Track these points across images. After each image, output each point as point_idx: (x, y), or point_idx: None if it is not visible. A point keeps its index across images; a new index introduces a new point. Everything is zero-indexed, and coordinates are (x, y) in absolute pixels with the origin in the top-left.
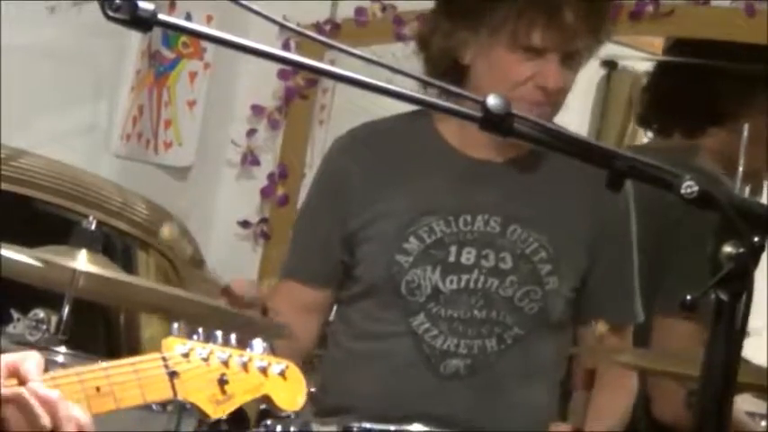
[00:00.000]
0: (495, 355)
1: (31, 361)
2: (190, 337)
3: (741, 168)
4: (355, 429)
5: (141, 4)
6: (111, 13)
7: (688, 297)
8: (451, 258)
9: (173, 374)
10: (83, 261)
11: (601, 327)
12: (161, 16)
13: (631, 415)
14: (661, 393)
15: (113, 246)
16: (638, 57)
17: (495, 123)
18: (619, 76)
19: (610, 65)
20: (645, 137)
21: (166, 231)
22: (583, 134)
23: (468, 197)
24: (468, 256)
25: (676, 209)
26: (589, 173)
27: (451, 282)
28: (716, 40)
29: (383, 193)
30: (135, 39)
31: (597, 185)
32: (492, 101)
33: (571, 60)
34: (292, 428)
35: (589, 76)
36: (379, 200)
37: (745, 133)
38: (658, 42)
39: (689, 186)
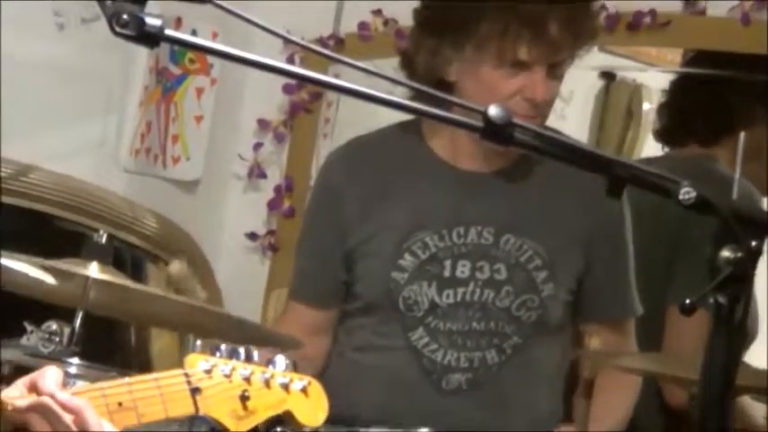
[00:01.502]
0: (497, 366)
1: (49, 375)
2: (213, 353)
3: (737, 176)
4: None
5: (148, 20)
6: (118, 29)
7: (687, 301)
8: (447, 273)
9: (195, 390)
10: (94, 272)
11: (594, 341)
12: (168, 32)
13: (643, 401)
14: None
15: (123, 259)
16: (636, 67)
17: (496, 133)
18: (617, 86)
19: (608, 76)
20: (645, 146)
21: (176, 268)
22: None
23: (460, 210)
24: (463, 269)
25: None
26: (579, 178)
27: (448, 296)
28: (727, 51)
29: (377, 209)
30: (143, 55)
31: (588, 189)
32: (493, 111)
33: (556, 70)
34: None
35: (588, 87)
36: (373, 216)
37: (742, 142)
38: (656, 53)
39: (687, 192)
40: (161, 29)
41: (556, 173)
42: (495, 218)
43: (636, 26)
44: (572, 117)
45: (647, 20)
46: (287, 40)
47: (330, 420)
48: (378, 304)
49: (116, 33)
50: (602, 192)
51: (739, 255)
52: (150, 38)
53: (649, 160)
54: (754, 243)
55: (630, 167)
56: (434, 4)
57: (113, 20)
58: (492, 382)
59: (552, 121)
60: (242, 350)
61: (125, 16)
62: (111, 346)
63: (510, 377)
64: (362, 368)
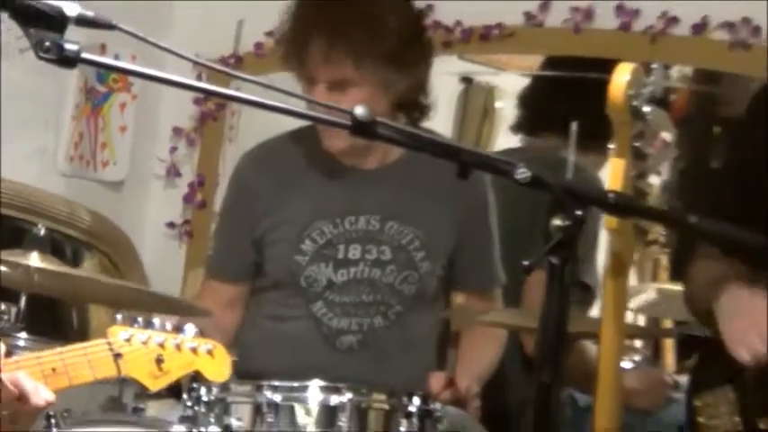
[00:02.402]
0: (382, 330)
1: None
2: (131, 324)
3: (572, 158)
4: (265, 386)
5: (67, 46)
6: (42, 54)
7: (525, 262)
8: (341, 255)
9: (117, 356)
10: (35, 260)
11: (460, 299)
12: (85, 55)
13: (507, 354)
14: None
15: (63, 249)
16: (489, 72)
17: (362, 129)
18: (474, 89)
19: (467, 80)
20: (498, 138)
21: None
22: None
23: (351, 201)
24: (354, 252)
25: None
26: (451, 173)
27: (342, 274)
28: (570, 56)
29: (282, 202)
30: (74, 78)
31: (458, 183)
32: (359, 111)
33: (344, 86)
34: (214, 389)
35: (449, 90)
36: (279, 208)
37: (574, 129)
38: (506, 59)
39: (522, 173)
40: (78, 53)
41: (431, 169)
42: (380, 208)
43: (486, 37)
44: (438, 117)
45: (496, 32)
46: (195, 63)
47: (243, 376)
48: (284, 282)
49: (40, 57)
50: (469, 185)
51: (568, 223)
52: (69, 60)
53: (510, 151)
54: (579, 213)
55: (475, 154)
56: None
57: (37, 46)
58: (378, 343)
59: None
60: (157, 321)
61: (47, 43)
62: (55, 322)
63: (393, 339)
64: (271, 334)
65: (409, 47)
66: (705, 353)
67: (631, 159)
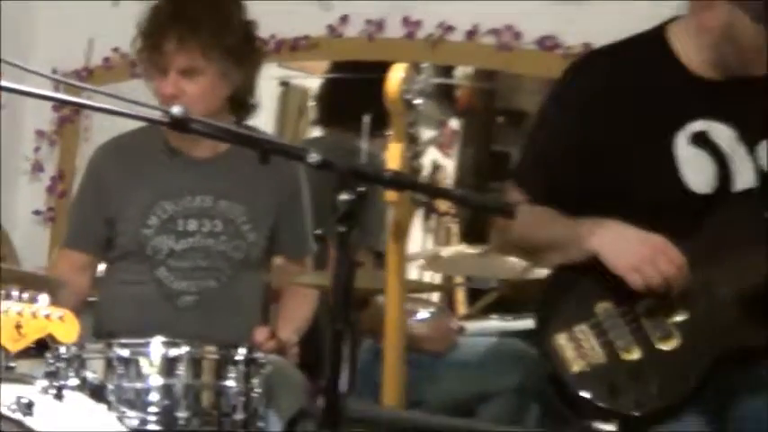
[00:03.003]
0: (215, 291)
1: None
2: None
3: (364, 148)
4: (114, 343)
5: None
6: None
7: (318, 231)
8: (180, 228)
9: None
10: None
11: (278, 261)
12: None
13: (318, 309)
14: None
15: None
16: (302, 76)
17: (178, 124)
18: (291, 91)
19: (285, 84)
20: (313, 132)
21: None
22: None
23: (189, 184)
24: (191, 225)
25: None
26: (272, 160)
27: (182, 244)
28: (363, 60)
29: (130, 185)
30: None
31: (277, 168)
32: (174, 110)
33: (191, 74)
34: (72, 347)
35: (270, 92)
36: (127, 190)
37: (366, 122)
38: (317, 65)
39: (312, 157)
40: None
41: (254, 157)
42: (213, 189)
43: (296, 47)
44: (261, 115)
45: (304, 42)
46: (53, 79)
47: (100, 334)
48: (132, 251)
49: None
50: (285, 171)
51: (351, 197)
52: None
53: (313, 140)
54: (360, 189)
55: (274, 143)
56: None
57: None
58: (211, 302)
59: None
60: (15, 292)
61: None
62: None
63: (224, 298)
64: (122, 297)
65: (247, 45)
66: (553, 297)
67: (406, 143)
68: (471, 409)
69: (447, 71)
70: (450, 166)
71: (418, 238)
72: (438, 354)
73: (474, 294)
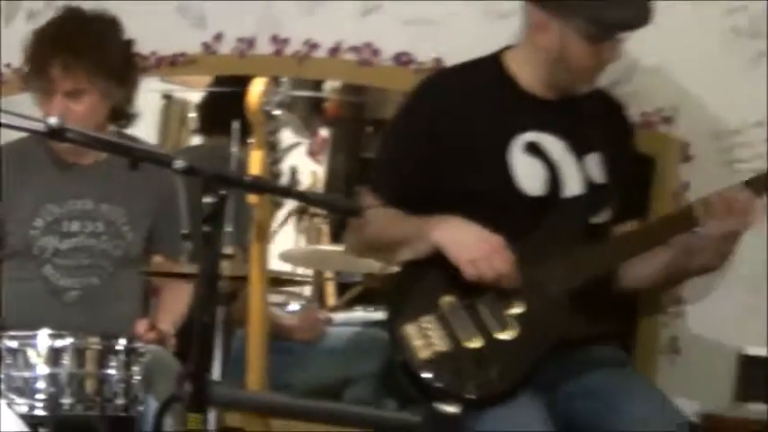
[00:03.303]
0: (98, 287)
1: None
2: None
3: (234, 154)
4: (4, 336)
5: None
6: None
7: (185, 231)
8: (65, 229)
9: None
10: None
11: (159, 259)
12: None
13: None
14: None
15: None
16: (183, 90)
17: (55, 134)
18: (173, 104)
19: (167, 97)
20: (193, 141)
21: None
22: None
23: (72, 188)
24: (75, 227)
25: None
26: (150, 168)
27: (66, 244)
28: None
29: (18, 190)
30: None
31: (155, 175)
32: (51, 120)
33: (76, 96)
34: None
35: (153, 104)
36: (16, 195)
37: (236, 130)
38: (196, 79)
39: (178, 164)
40: None
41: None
42: (95, 193)
43: (174, 63)
44: (145, 126)
45: (181, 58)
46: None
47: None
48: (21, 251)
49: None
50: (162, 177)
51: (214, 200)
52: None
53: (188, 149)
54: (222, 192)
55: (143, 151)
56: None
57: None
58: (95, 297)
59: (132, 130)
60: None
61: None
62: None
63: (106, 293)
64: (12, 293)
65: (127, 65)
66: (403, 290)
67: (266, 150)
68: (338, 393)
69: (317, 85)
70: (320, 171)
71: (292, 238)
72: (307, 342)
73: (342, 288)
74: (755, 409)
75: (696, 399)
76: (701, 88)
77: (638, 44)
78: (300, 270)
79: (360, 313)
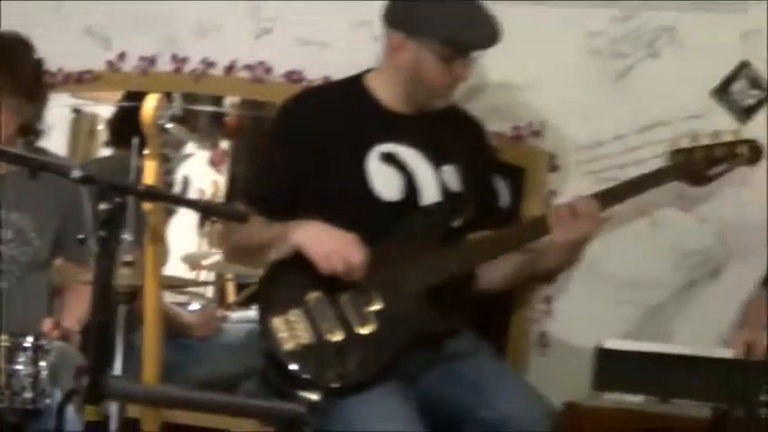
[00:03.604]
0: (8, 291)
1: None
2: None
3: (134, 165)
4: None
5: None
6: None
7: (81, 236)
8: None
9: None
10: None
11: (60, 263)
12: None
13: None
14: None
15: None
16: (89, 104)
17: None
18: (82, 117)
19: (76, 111)
20: (102, 152)
21: None
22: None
23: None
24: None
25: None
26: (55, 179)
27: None
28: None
29: None
30: None
31: (62, 185)
32: None
33: None
34: None
35: (64, 118)
36: None
37: (136, 143)
38: (106, 94)
39: (75, 173)
40: None
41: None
42: (4, 202)
43: (81, 80)
44: (55, 140)
45: (87, 75)
46: None
47: None
48: None
49: None
50: (68, 187)
51: (110, 206)
52: None
53: (94, 160)
54: (117, 200)
55: (42, 162)
56: None
57: None
58: (6, 299)
59: (43, 143)
60: None
61: None
62: None
63: (16, 295)
64: None
65: (36, 85)
66: (273, 286)
67: (160, 161)
68: (235, 385)
69: (217, 100)
70: (221, 181)
71: (195, 243)
72: (205, 338)
73: (242, 288)
74: (612, 399)
75: (562, 389)
76: (567, 105)
77: (510, 63)
78: (204, 273)
79: (255, 311)
